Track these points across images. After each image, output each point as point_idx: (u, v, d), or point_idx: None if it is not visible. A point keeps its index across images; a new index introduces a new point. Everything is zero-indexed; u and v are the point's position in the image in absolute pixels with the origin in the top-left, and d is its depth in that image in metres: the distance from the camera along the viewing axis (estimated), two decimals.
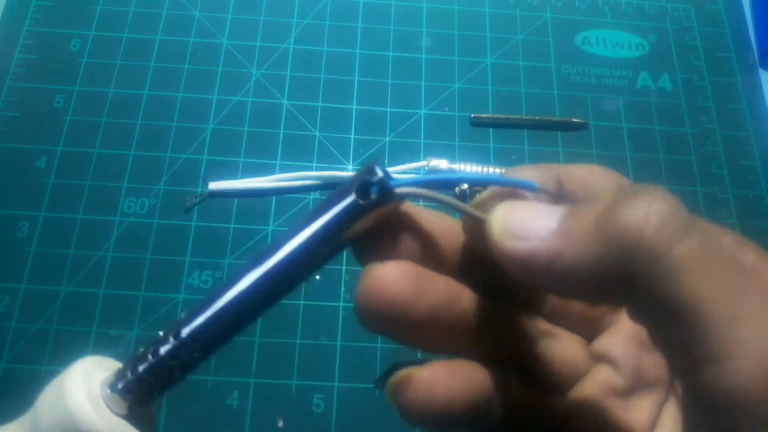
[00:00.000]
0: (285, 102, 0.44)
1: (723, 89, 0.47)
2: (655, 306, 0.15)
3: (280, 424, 0.35)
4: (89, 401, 0.18)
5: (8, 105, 0.42)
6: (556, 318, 0.22)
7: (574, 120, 0.45)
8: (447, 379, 0.19)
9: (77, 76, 0.43)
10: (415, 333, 0.19)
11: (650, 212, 0.15)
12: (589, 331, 0.22)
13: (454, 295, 0.19)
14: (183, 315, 0.19)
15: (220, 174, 0.41)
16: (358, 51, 0.46)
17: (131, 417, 0.19)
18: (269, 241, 0.39)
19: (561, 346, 0.21)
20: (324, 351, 0.37)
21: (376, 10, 0.48)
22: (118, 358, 0.38)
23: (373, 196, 0.18)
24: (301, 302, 0.38)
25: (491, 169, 0.42)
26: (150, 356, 0.18)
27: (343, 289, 0.38)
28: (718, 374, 0.14)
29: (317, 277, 0.38)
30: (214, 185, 0.40)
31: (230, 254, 0.39)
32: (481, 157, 0.43)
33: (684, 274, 0.15)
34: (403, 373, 0.19)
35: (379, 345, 0.37)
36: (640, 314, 0.16)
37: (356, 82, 0.45)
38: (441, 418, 0.18)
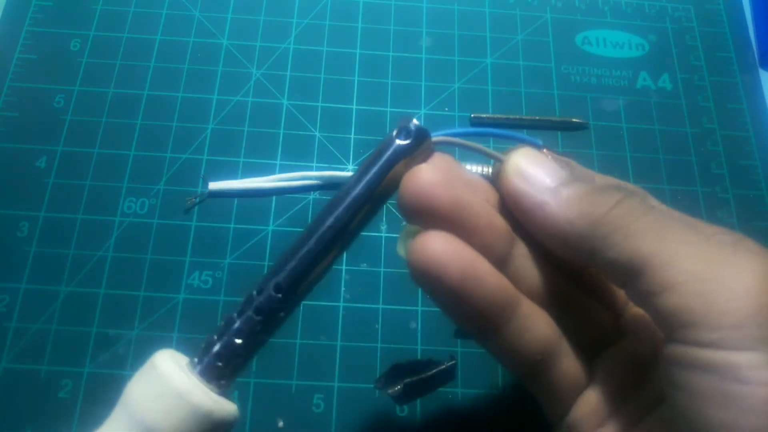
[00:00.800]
0: (285, 102, 0.44)
1: (723, 89, 0.47)
2: (614, 260, 0.20)
3: (280, 424, 0.35)
4: (188, 379, 0.19)
5: (8, 105, 0.42)
6: (591, 291, 0.25)
7: (574, 120, 0.45)
8: (449, 242, 0.21)
9: (77, 76, 0.43)
10: (445, 222, 0.21)
11: (619, 201, 0.20)
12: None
13: (483, 206, 0.22)
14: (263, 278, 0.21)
15: (220, 174, 0.41)
16: (358, 51, 0.46)
17: (222, 392, 0.20)
18: (269, 241, 0.39)
19: (593, 309, 0.24)
20: (324, 351, 0.37)
21: (376, 10, 0.48)
22: (117, 358, 0.38)
23: (411, 138, 0.21)
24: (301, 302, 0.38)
25: (490, 169, 0.42)
26: (235, 318, 0.20)
27: (343, 289, 0.38)
28: (662, 298, 0.18)
29: None
30: (214, 185, 0.40)
31: (230, 254, 0.39)
32: (482, 157, 0.43)
33: (637, 236, 0.19)
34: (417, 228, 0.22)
35: (379, 345, 0.37)
36: (604, 272, 0.21)
37: (356, 82, 0.45)
38: (435, 277, 0.21)
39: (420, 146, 0.21)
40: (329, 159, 0.42)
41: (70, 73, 0.44)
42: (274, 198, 0.41)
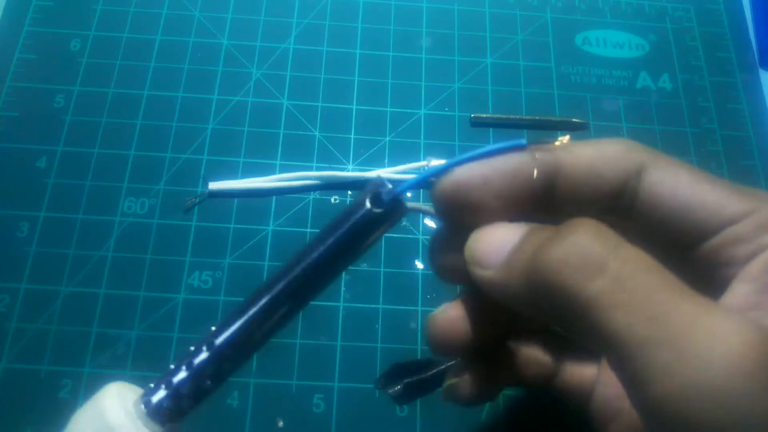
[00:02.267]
0: (285, 102, 0.44)
1: (723, 89, 0.47)
2: (583, 337, 0.17)
3: (280, 424, 0.35)
4: (129, 419, 0.18)
5: (8, 105, 0.42)
6: None
7: (574, 120, 0.44)
8: (459, 321, 0.22)
9: (77, 76, 0.43)
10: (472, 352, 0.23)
11: (568, 254, 0.16)
12: None
13: (495, 318, 0.22)
14: (214, 328, 0.20)
15: (220, 174, 0.41)
16: (358, 51, 0.46)
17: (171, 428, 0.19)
18: (269, 241, 0.39)
19: None
20: (324, 351, 0.37)
21: (376, 10, 0.48)
22: (117, 358, 0.38)
23: (384, 206, 0.19)
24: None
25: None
26: (182, 369, 0.19)
27: (343, 289, 0.38)
28: (637, 397, 0.15)
29: None
30: (214, 185, 0.40)
31: (230, 254, 0.39)
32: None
33: (596, 309, 0.16)
34: (432, 314, 0.23)
35: (378, 345, 0.37)
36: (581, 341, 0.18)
37: (356, 82, 0.45)
38: (455, 350, 0.22)
39: (393, 215, 0.20)
40: (329, 159, 0.42)
41: (70, 73, 0.44)
42: (274, 198, 0.41)
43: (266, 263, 0.39)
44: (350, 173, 0.41)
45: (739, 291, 0.18)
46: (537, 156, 0.21)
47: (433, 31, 0.47)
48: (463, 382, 0.23)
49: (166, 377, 0.19)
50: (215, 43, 0.45)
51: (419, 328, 0.38)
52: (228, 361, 0.19)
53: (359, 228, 0.20)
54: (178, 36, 0.45)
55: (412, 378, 0.36)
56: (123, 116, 0.42)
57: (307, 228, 0.40)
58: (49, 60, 0.44)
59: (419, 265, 0.39)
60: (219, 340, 0.19)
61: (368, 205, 0.19)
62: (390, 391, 0.36)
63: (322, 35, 0.46)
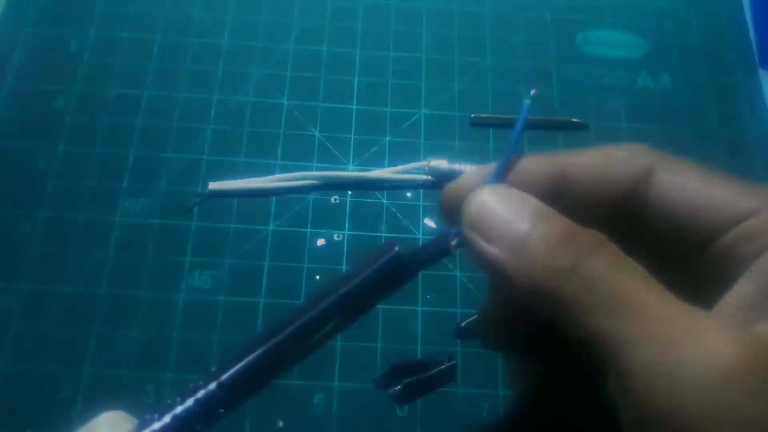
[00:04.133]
0: (285, 102, 0.44)
1: (723, 89, 0.47)
2: (577, 340, 0.17)
3: (280, 424, 0.35)
4: None
5: (8, 105, 0.42)
6: None
7: (574, 120, 0.45)
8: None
9: (77, 76, 0.43)
10: None
11: (577, 265, 0.17)
12: None
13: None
14: (215, 367, 0.20)
15: (220, 174, 0.41)
16: (358, 51, 0.46)
17: None
18: (269, 241, 0.39)
19: None
20: (324, 351, 0.37)
21: (376, 10, 0.48)
22: (117, 358, 0.38)
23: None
24: (301, 303, 0.38)
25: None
26: (178, 405, 0.19)
27: None
28: (621, 394, 0.16)
29: (317, 277, 0.38)
30: (214, 185, 0.40)
31: (230, 254, 0.39)
32: (481, 157, 0.43)
33: (572, 311, 0.16)
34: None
35: (379, 345, 0.37)
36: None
37: (356, 82, 0.45)
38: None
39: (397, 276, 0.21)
40: (329, 159, 0.42)
41: (70, 73, 0.44)
42: (274, 198, 0.41)
43: (266, 263, 0.39)
44: (350, 173, 0.41)
45: (742, 288, 0.18)
46: (544, 164, 0.21)
47: (433, 31, 0.47)
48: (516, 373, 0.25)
49: (161, 411, 0.19)
50: (215, 43, 0.45)
51: (419, 328, 0.38)
52: (224, 403, 0.19)
53: (368, 283, 0.21)
54: (178, 36, 0.45)
55: (412, 378, 0.36)
56: (123, 116, 0.42)
57: (307, 228, 0.40)
58: (49, 60, 0.44)
59: None
60: (219, 380, 0.19)
61: (378, 259, 0.21)
62: (390, 391, 0.36)
63: (322, 35, 0.46)
